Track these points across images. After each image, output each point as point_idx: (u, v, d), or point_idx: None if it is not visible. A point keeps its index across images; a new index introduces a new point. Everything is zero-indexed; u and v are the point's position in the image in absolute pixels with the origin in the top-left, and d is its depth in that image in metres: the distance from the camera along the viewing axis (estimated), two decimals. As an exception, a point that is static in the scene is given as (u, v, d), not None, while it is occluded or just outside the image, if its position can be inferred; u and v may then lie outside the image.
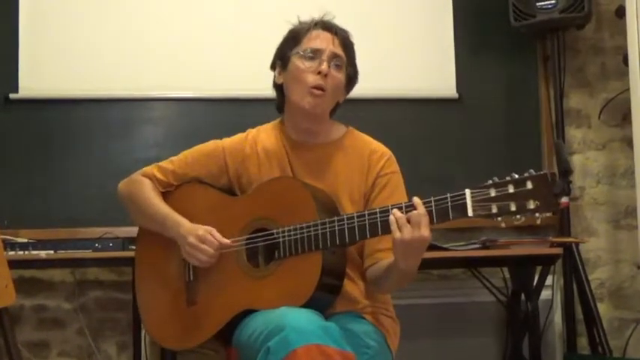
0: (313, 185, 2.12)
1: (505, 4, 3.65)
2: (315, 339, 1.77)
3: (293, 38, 2.21)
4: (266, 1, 3.62)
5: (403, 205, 1.90)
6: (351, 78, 2.25)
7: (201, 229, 2.11)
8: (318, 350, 1.75)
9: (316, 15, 2.25)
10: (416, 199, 1.89)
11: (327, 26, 2.20)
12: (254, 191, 2.17)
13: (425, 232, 1.86)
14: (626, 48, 3.42)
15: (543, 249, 3.25)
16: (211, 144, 2.30)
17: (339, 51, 2.19)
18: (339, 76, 2.19)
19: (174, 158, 2.32)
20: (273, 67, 2.28)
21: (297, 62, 2.17)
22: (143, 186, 2.27)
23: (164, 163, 2.31)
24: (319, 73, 2.14)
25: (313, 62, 2.15)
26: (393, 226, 1.88)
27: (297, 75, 2.16)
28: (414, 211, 1.87)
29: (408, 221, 1.86)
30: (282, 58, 2.22)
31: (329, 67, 2.15)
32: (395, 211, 1.89)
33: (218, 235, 2.11)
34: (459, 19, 3.80)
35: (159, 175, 2.28)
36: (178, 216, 2.18)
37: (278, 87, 2.26)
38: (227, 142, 2.29)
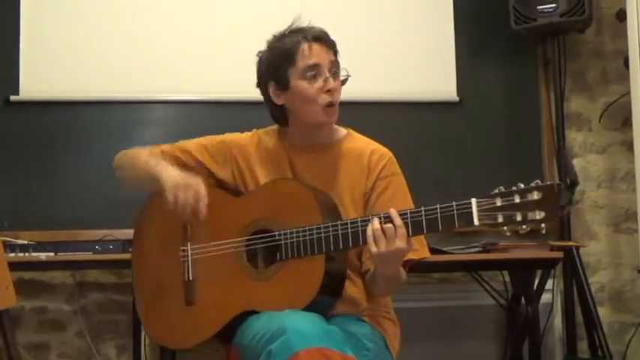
0: (315, 187, 2.12)
1: (506, 8, 3.66)
2: (317, 342, 1.77)
3: (286, 58, 2.16)
4: (267, 5, 3.63)
5: (382, 215, 1.91)
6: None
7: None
8: (320, 353, 1.75)
9: (306, 23, 2.22)
10: (392, 211, 1.90)
11: (314, 37, 2.17)
12: (256, 192, 2.18)
13: (400, 244, 1.88)
14: (627, 51, 3.42)
15: (543, 253, 3.25)
16: (221, 135, 2.31)
17: (332, 56, 2.18)
18: (339, 83, 2.19)
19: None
20: (262, 85, 2.24)
21: (302, 84, 2.14)
22: (139, 149, 2.30)
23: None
24: (328, 90, 2.13)
25: (317, 80, 2.13)
26: (370, 240, 1.90)
27: (306, 97, 2.14)
28: (389, 225, 1.89)
29: (384, 234, 1.88)
30: (278, 80, 2.18)
31: (334, 80, 2.15)
32: (372, 224, 1.91)
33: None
34: (459, 22, 3.80)
35: (163, 146, 2.30)
36: (168, 165, 2.17)
37: (276, 106, 2.23)
38: (235, 135, 2.30)
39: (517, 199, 1.77)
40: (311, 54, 2.14)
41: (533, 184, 1.77)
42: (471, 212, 1.81)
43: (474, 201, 1.82)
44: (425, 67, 3.77)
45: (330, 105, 2.15)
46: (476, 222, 1.81)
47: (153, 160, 2.21)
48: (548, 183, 1.76)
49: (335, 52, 2.20)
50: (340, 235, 1.96)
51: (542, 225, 1.76)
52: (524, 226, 1.78)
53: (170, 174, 2.12)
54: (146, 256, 2.28)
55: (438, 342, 3.57)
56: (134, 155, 2.29)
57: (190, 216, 2.08)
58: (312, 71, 2.14)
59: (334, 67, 2.17)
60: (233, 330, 2.03)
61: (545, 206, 1.74)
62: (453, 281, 3.74)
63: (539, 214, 1.75)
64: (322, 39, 2.18)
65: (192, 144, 2.29)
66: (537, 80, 3.87)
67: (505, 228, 1.80)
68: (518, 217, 1.77)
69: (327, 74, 2.14)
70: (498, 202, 1.79)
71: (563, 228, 3.63)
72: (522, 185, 1.78)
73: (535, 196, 1.75)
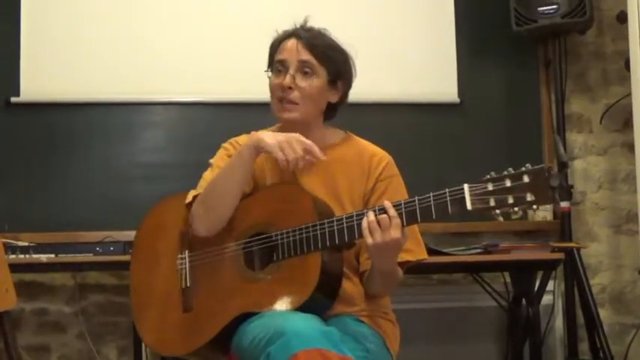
0: (314, 195, 2.11)
1: (506, 9, 3.66)
2: (316, 343, 1.77)
3: (271, 54, 2.23)
4: (268, 6, 3.63)
5: (377, 208, 1.95)
6: (337, 74, 2.21)
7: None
8: (319, 354, 1.75)
9: (308, 24, 2.23)
10: (386, 203, 1.93)
11: (293, 33, 2.19)
12: (255, 197, 2.17)
13: (395, 234, 1.91)
14: (628, 53, 3.42)
15: (545, 254, 3.25)
16: (231, 147, 2.26)
17: (306, 56, 2.16)
18: (310, 83, 2.16)
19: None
20: None
21: (271, 77, 2.21)
22: (200, 192, 2.17)
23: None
24: (283, 86, 2.16)
25: (280, 76, 2.17)
26: (365, 232, 1.93)
27: (270, 89, 2.20)
28: (384, 215, 1.91)
29: (379, 225, 1.91)
30: (271, 71, 2.24)
31: (294, 77, 2.15)
32: (367, 216, 1.93)
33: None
34: (460, 24, 3.81)
35: (198, 188, 2.21)
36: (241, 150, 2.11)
37: None
38: (242, 139, 2.26)
39: (508, 183, 1.80)
40: (283, 50, 2.18)
41: (523, 168, 1.80)
42: (464, 197, 1.84)
43: (466, 186, 1.85)
44: (426, 69, 3.77)
45: (280, 100, 2.16)
46: (469, 206, 1.83)
47: (226, 166, 2.13)
48: (538, 166, 1.79)
49: (316, 52, 2.17)
50: (336, 230, 1.98)
51: (535, 207, 1.80)
52: (516, 209, 1.80)
53: (262, 137, 2.06)
54: (144, 265, 2.28)
55: (439, 343, 3.57)
56: (209, 188, 2.15)
57: (304, 167, 2.05)
58: (279, 66, 2.18)
59: (305, 66, 2.16)
60: (230, 336, 2.03)
61: (536, 189, 1.77)
62: (453, 282, 3.74)
63: (530, 197, 1.78)
64: (300, 36, 2.18)
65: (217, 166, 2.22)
66: (538, 81, 3.88)
67: (497, 211, 1.82)
68: (510, 200, 1.80)
69: (291, 71, 2.15)
70: (490, 187, 1.82)
71: (564, 229, 3.62)
72: (512, 170, 1.81)
73: (526, 179, 1.79)
